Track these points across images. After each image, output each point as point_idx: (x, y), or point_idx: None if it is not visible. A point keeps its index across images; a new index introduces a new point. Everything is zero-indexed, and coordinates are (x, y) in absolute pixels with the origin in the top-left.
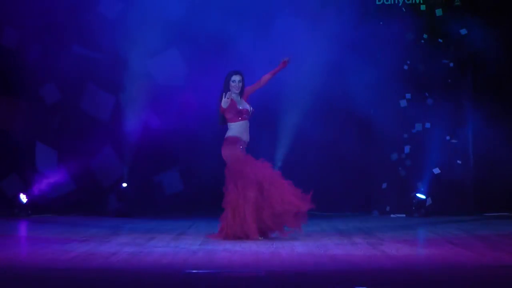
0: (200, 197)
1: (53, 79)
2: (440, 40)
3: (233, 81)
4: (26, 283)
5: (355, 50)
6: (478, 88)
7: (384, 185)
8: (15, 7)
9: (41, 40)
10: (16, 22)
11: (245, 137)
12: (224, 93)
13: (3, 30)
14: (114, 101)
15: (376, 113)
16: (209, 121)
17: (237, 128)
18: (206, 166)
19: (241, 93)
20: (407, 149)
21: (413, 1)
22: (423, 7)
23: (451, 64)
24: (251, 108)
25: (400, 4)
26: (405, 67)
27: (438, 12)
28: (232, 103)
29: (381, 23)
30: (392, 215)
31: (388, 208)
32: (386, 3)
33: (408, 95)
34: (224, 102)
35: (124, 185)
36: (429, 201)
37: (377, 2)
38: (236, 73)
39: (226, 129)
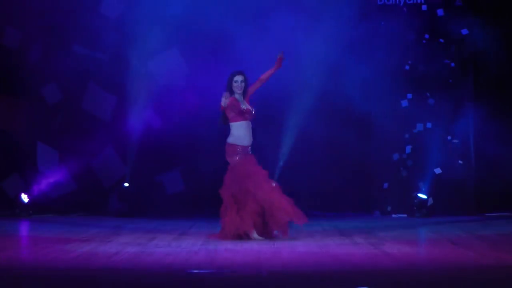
0: (201, 197)
1: (54, 79)
2: (442, 40)
3: (236, 81)
4: (28, 283)
5: (356, 50)
6: (479, 88)
7: (386, 185)
8: (16, 7)
9: (42, 40)
10: (17, 22)
11: (247, 139)
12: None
13: (4, 30)
14: (115, 101)
15: (377, 113)
16: (210, 120)
17: (238, 129)
18: (207, 166)
19: (244, 94)
20: (408, 149)
21: (415, 1)
22: (424, 7)
23: (453, 64)
24: (253, 109)
25: (401, 4)
26: (407, 67)
27: (440, 12)
28: (236, 103)
29: (382, 23)
30: (393, 215)
31: (389, 208)
32: (387, 3)
33: (409, 95)
34: (223, 101)
35: (126, 185)
36: (430, 201)
37: (378, 2)
38: (239, 73)
39: (229, 128)
